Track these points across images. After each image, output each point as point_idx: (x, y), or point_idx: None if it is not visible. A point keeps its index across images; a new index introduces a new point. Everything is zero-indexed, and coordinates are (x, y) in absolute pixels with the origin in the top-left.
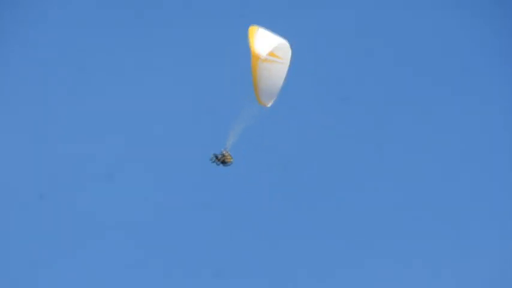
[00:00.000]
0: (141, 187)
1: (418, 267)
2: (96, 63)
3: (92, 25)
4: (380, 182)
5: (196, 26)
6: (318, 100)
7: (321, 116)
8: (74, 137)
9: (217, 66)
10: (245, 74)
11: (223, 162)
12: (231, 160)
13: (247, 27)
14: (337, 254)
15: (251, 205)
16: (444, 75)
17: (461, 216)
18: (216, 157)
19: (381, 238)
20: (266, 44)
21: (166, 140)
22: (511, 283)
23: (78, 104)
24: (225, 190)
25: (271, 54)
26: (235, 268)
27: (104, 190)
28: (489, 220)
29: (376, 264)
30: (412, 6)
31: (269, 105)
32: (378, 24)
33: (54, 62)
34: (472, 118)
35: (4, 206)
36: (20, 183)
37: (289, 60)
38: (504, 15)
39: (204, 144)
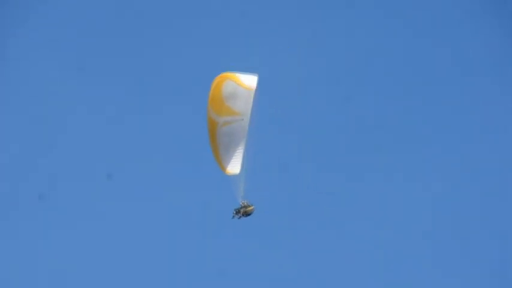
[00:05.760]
0: (142, 187)
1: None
2: (95, 63)
3: (92, 25)
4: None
5: (197, 26)
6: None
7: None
8: (73, 137)
9: (216, 68)
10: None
11: (246, 214)
12: (253, 208)
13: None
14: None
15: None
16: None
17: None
18: (238, 211)
19: None
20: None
21: (166, 140)
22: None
23: (78, 104)
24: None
25: (229, 113)
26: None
27: (104, 190)
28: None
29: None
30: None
31: (238, 171)
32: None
33: (54, 62)
34: (472, 118)
35: (4, 206)
36: (19, 183)
37: (250, 107)
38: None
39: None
